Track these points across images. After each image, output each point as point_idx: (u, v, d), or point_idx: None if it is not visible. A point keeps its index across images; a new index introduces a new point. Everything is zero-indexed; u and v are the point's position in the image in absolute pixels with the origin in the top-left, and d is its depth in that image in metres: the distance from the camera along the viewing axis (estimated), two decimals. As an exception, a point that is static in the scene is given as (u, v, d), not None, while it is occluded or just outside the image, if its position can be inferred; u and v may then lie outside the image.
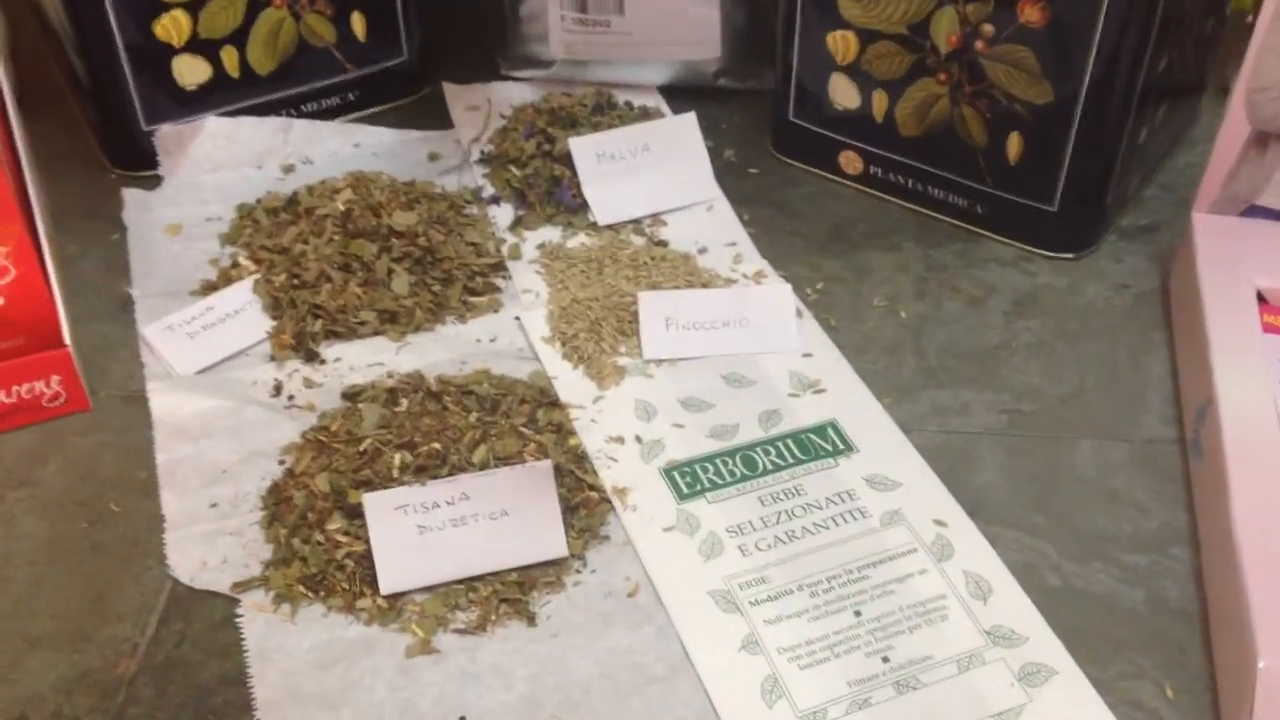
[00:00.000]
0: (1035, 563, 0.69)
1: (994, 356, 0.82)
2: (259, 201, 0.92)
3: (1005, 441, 0.76)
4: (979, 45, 0.84)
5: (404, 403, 0.75)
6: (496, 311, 0.85)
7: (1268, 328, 0.75)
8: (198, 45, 0.92)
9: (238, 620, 0.66)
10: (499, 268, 0.88)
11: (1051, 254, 0.89)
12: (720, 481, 0.73)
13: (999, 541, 0.70)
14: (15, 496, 0.73)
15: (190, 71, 0.93)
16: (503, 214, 0.92)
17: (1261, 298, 0.78)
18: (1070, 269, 0.89)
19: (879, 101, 0.91)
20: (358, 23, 0.98)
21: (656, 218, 0.92)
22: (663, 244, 0.90)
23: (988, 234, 0.91)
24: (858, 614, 0.66)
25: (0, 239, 0.74)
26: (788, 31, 0.93)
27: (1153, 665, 0.64)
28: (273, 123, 0.97)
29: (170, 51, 0.91)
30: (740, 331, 0.81)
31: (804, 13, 0.91)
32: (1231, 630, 0.62)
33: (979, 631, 0.65)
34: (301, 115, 0.99)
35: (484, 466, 0.70)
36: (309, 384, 0.79)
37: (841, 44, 0.90)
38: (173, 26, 0.90)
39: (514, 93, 1.04)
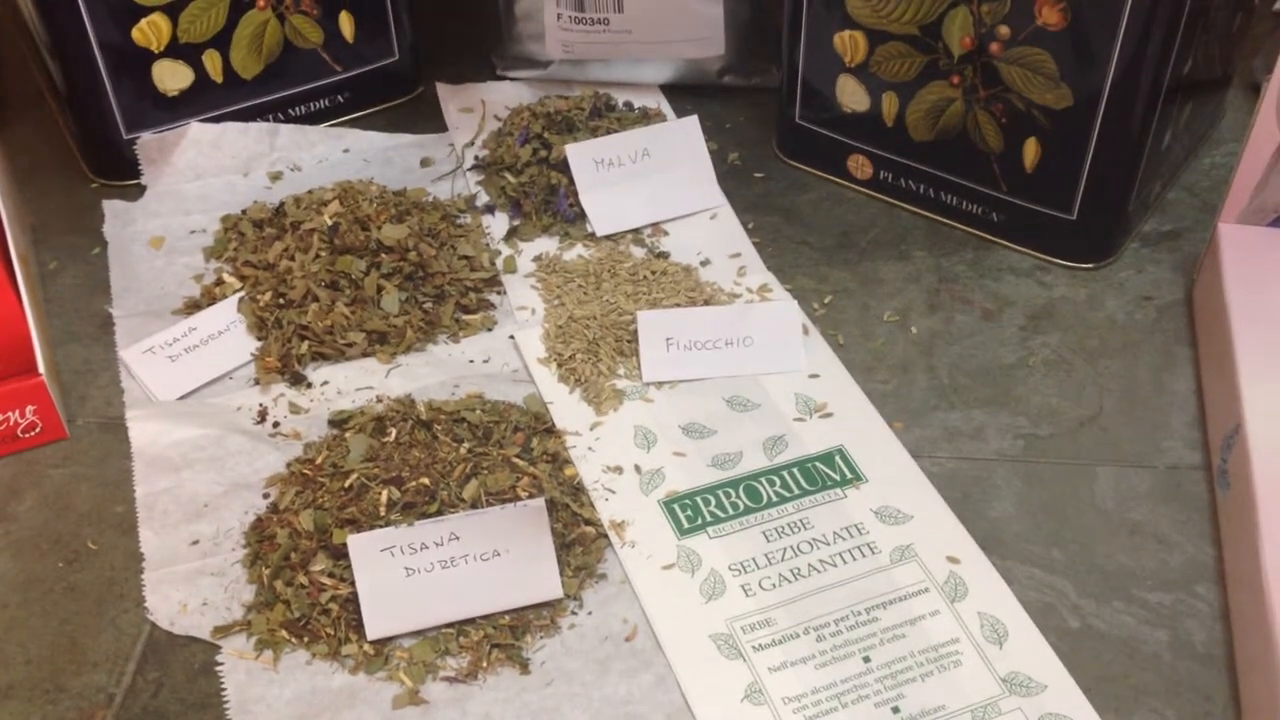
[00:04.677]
0: (1053, 602, 0.66)
1: (1009, 375, 0.79)
2: (244, 212, 0.88)
3: (1021, 469, 0.73)
4: (994, 47, 0.80)
5: (392, 432, 0.72)
6: (490, 330, 0.81)
7: (1299, 349, 0.72)
8: (178, 50, 0.88)
9: (218, 669, 0.63)
10: (493, 282, 0.84)
11: (1070, 264, 0.86)
12: (722, 515, 0.70)
13: (1015, 579, 0.67)
14: (-11, 533, 0.70)
15: (171, 76, 0.89)
16: (497, 224, 0.89)
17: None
18: (1089, 280, 0.85)
19: (889, 104, 0.87)
20: (345, 22, 0.94)
21: (657, 227, 0.88)
22: (663, 255, 0.86)
23: (1003, 243, 0.87)
24: (867, 660, 0.63)
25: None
26: (794, 31, 0.88)
27: (1177, 715, 0.61)
28: (258, 128, 0.93)
29: (150, 56, 0.88)
30: (744, 351, 0.78)
31: (811, 11, 0.87)
32: (1261, 677, 0.59)
33: (995, 679, 0.62)
34: (289, 119, 0.95)
35: (475, 502, 0.67)
36: (295, 410, 0.76)
37: (850, 44, 0.86)
38: (152, 31, 0.87)
39: (510, 93, 1.00)
